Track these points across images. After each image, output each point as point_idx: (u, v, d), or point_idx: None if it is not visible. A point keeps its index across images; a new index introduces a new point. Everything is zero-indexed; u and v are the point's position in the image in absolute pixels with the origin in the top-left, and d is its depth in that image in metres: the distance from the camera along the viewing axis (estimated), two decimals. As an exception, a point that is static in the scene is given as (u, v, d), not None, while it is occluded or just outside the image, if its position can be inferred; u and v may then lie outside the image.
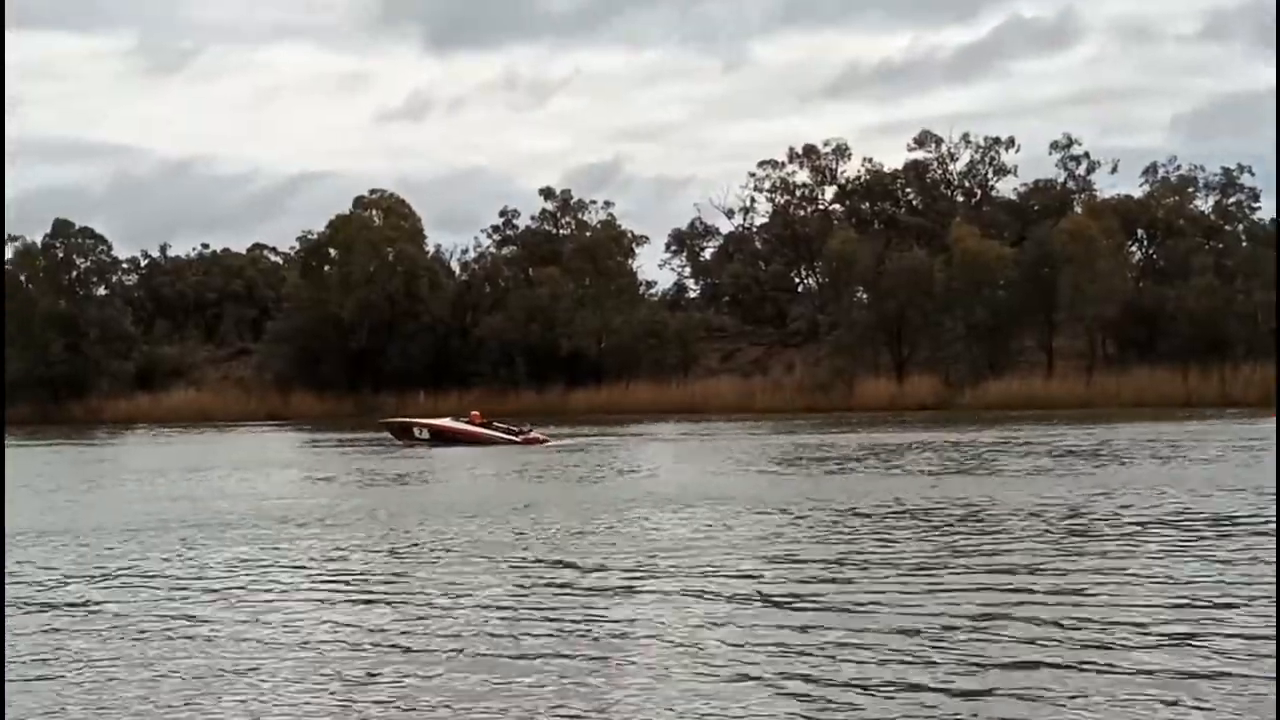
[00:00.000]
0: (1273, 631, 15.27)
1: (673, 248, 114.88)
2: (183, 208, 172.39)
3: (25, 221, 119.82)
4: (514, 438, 59.42)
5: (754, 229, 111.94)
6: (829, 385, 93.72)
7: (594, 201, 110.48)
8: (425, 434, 62.33)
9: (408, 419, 67.58)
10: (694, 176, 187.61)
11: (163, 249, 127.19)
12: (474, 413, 64.37)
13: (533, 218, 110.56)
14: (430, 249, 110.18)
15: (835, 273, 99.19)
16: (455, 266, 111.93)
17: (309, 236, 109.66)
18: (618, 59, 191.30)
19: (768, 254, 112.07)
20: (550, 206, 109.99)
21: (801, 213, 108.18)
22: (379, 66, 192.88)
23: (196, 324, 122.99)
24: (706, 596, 19.06)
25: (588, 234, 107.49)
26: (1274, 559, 20.40)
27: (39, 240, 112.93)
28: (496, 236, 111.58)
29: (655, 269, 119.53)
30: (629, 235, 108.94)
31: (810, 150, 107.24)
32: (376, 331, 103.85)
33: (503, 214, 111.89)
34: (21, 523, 29.97)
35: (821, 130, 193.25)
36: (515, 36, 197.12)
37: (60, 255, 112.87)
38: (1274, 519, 25.46)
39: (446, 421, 64.12)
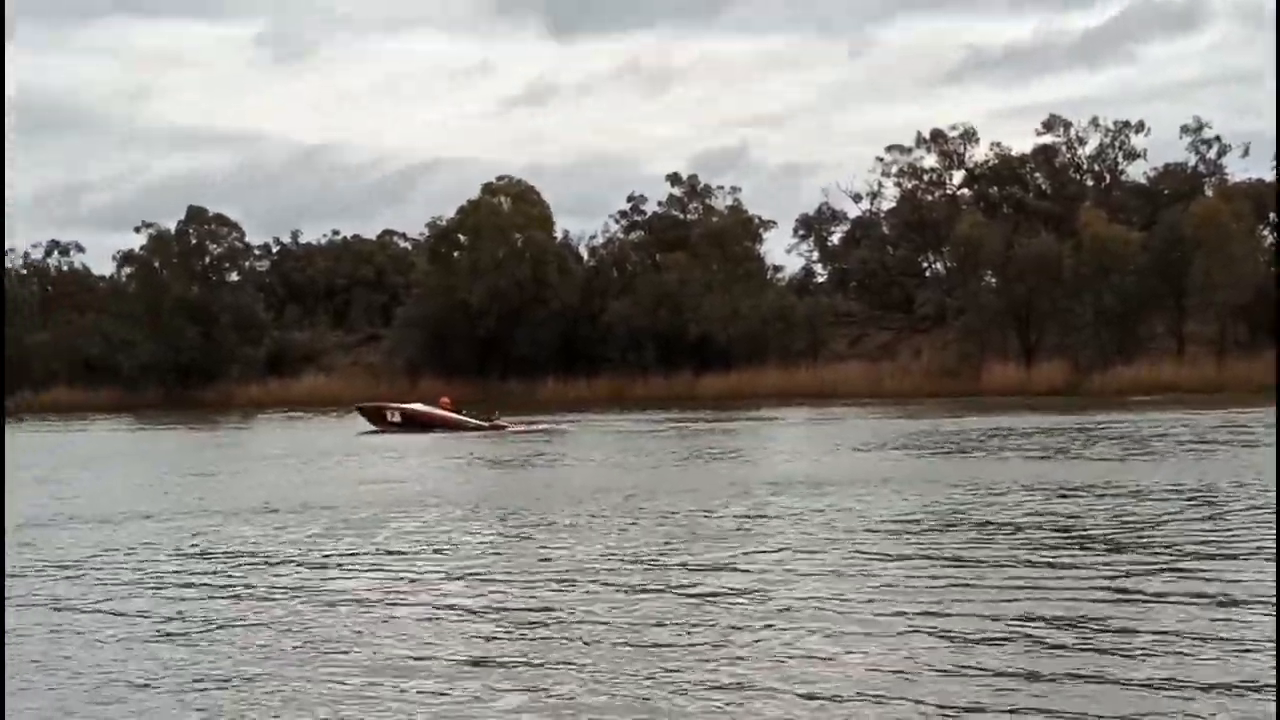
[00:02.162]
0: None
1: (800, 233, 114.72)
2: (313, 194, 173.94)
3: (159, 208, 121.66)
4: (483, 423, 60.69)
5: (881, 214, 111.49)
6: (957, 370, 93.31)
7: (721, 187, 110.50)
8: (397, 417, 63.44)
9: (380, 403, 68.59)
10: (820, 162, 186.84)
11: (293, 235, 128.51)
12: (443, 399, 65.49)
13: (660, 203, 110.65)
14: (558, 235, 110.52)
15: (963, 257, 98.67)
16: (583, 252, 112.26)
17: (438, 223, 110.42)
18: (738, 45, 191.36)
19: (895, 239, 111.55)
20: (677, 192, 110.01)
21: (929, 198, 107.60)
22: (502, 53, 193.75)
23: (326, 310, 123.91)
24: (847, 576, 19.17)
25: (715, 219, 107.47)
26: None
27: (172, 227, 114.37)
28: (624, 222, 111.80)
29: (782, 254, 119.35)
30: (756, 220, 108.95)
31: (938, 135, 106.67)
32: (505, 317, 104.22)
33: (630, 199, 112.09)
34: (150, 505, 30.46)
35: (946, 115, 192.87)
36: (635, 23, 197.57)
37: (193, 242, 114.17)
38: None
39: (418, 406, 65.26)
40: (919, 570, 19.58)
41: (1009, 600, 16.96)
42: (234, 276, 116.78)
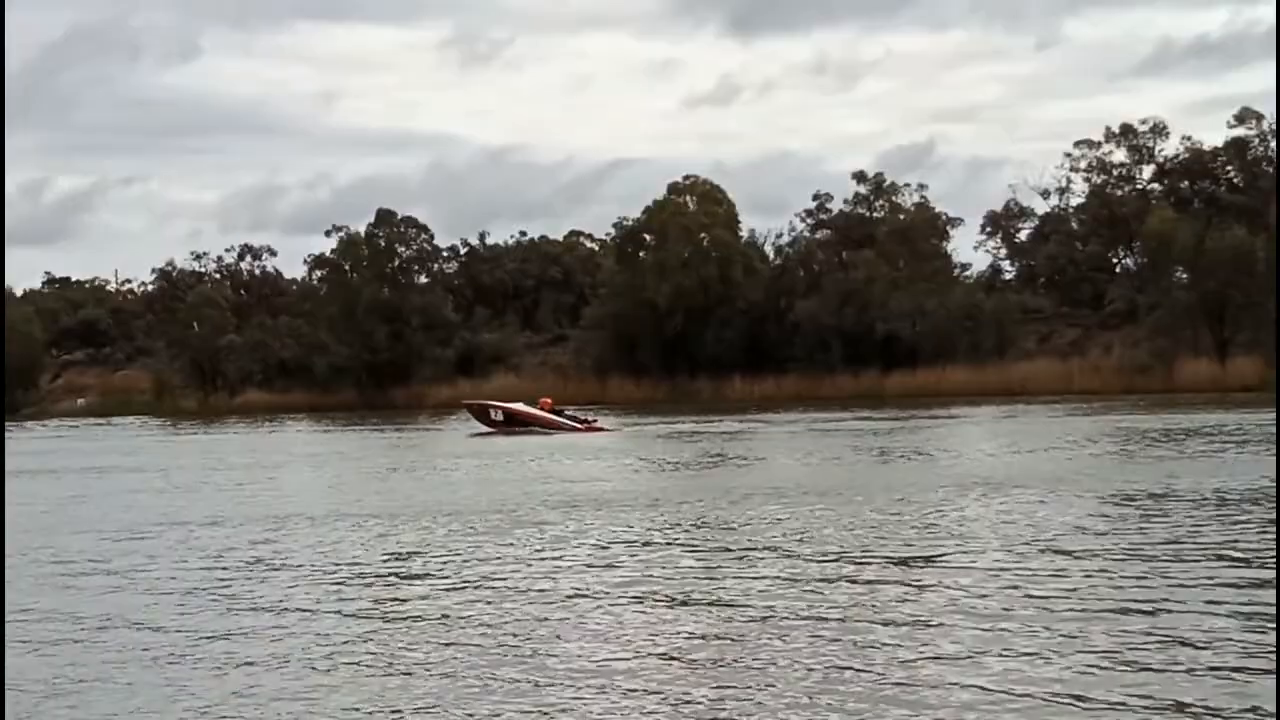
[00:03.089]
0: None
1: (987, 229, 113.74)
2: (500, 195, 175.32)
3: (348, 212, 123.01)
4: (579, 426, 62.62)
5: (1070, 209, 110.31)
6: (1148, 367, 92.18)
7: (907, 184, 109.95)
8: (500, 416, 66.04)
9: (485, 402, 71.34)
10: (1007, 157, 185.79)
11: (481, 237, 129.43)
12: (544, 399, 67.71)
13: (846, 201, 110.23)
14: (744, 234, 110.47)
15: (1154, 253, 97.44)
16: (769, 251, 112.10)
17: (624, 223, 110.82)
18: (924, 41, 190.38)
19: (1084, 234, 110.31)
20: (863, 189, 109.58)
21: (1119, 192, 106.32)
22: (684, 53, 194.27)
23: (515, 310, 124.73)
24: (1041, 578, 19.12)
25: (901, 216, 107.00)
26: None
27: (362, 230, 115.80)
28: (810, 220, 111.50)
29: (970, 251, 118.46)
30: (943, 217, 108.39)
31: (1127, 129, 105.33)
32: (692, 317, 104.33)
33: (815, 197, 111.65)
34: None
35: (1135, 108, 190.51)
36: (816, 20, 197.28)
37: (383, 245, 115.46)
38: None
39: (520, 406, 67.21)
40: (1112, 577, 19.47)
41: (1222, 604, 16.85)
42: (423, 278, 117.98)
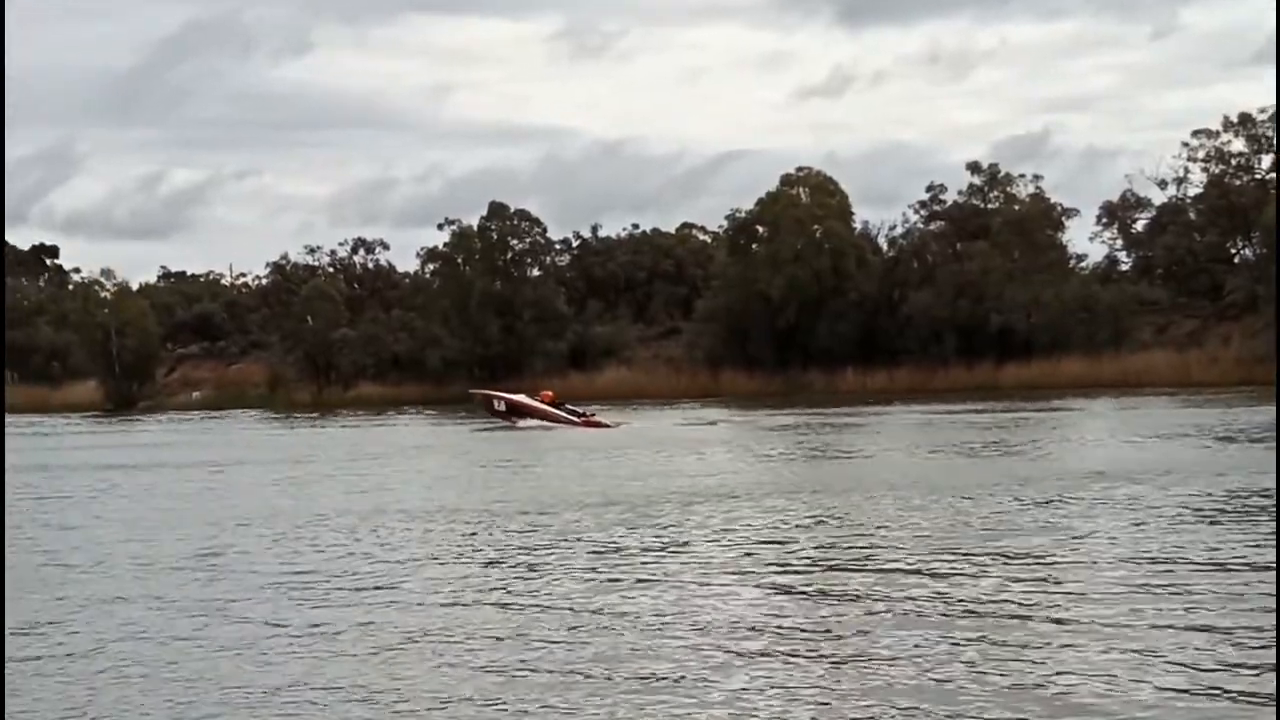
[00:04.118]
0: None
1: (1103, 220, 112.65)
2: (612, 188, 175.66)
3: (461, 205, 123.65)
4: (576, 420, 63.92)
5: (1188, 199, 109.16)
6: (1268, 358, 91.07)
7: (1022, 175, 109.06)
8: (502, 406, 68.57)
9: (489, 392, 73.69)
10: (1123, 147, 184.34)
11: (593, 229, 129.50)
12: (545, 393, 69.08)
13: (960, 192, 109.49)
14: (856, 225, 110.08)
15: (1273, 243, 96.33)
16: (882, 243, 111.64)
17: (736, 215, 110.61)
18: (1036, 30, 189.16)
19: (1202, 225, 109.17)
20: (977, 180, 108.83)
21: (1237, 182, 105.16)
22: (796, 43, 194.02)
23: (627, 303, 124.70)
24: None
25: (1016, 207, 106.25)
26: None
27: (474, 223, 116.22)
28: (923, 211, 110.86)
29: (1085, 242, 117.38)
30: (1059, 208, 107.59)
31: (1246, 119, 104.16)
32: (804, 309, 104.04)
33: (929, 188, 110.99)
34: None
35: (1253, 97, 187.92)
36: (926, 9, 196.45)
37: (495, 237, 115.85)
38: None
39: (521, 397, 69.00)
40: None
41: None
42: (535, 271, 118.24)
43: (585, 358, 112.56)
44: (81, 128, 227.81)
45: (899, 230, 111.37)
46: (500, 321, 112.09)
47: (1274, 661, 13.42)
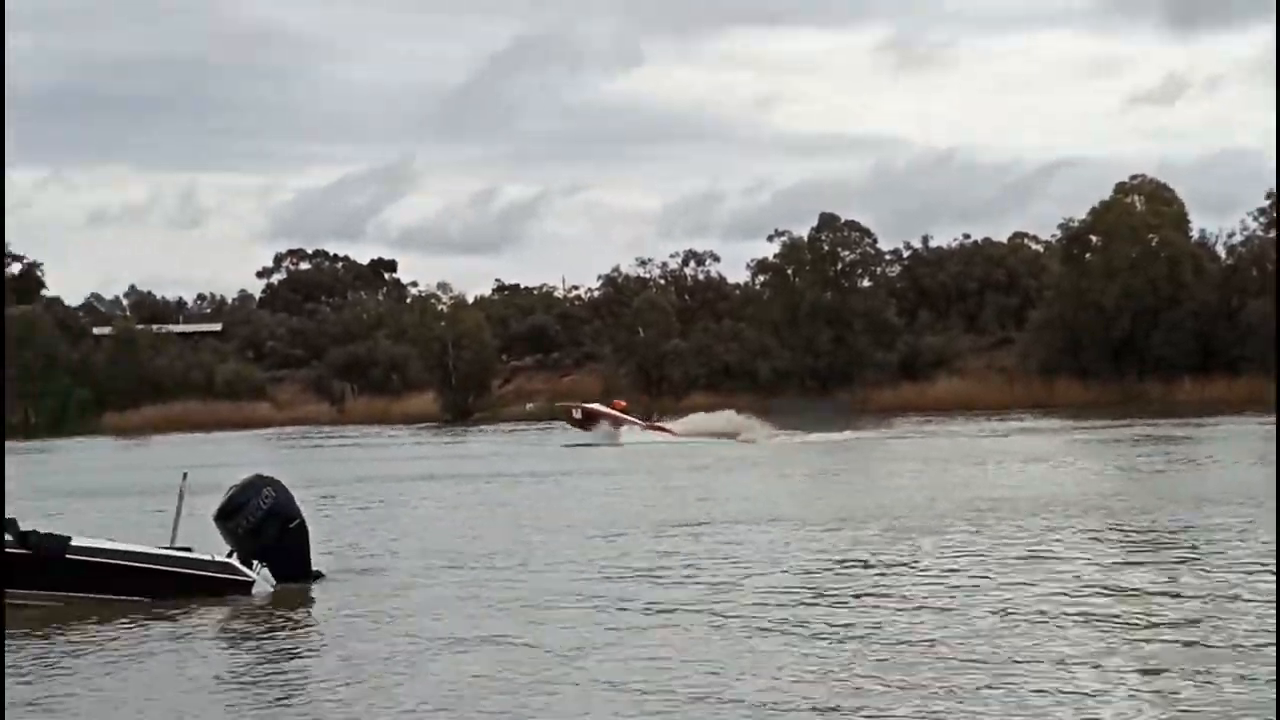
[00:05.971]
0: None
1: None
2: (943, 197, 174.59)
3: (790, 216, 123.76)
4: (639, 423, 74.06)
5: None
6: None
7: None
8: (579, 414, 76.12)
9: (569, 404, 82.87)
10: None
11: (924, 239, 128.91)
12: (617, 402, 79.08)
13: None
14: (1193, 234, 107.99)
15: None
16: (1220, 250, 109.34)
17: (1070, 224, 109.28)
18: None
19: None
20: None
21: None
22: (1126, 50, 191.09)
23: (959, 313, 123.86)
24: None
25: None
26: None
27: (804, 234, 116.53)
28: (1263, 219, 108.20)
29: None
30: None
31: None
32: (1139, 318, 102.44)
33: (1268, 195, 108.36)
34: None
35: None
36: (1258, 12, 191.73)
37: (826, 248, 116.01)
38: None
39: (596, 406, 77.96)
40: None
41: None
42: (866, 282, 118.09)
43: (916, 368, 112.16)
44: (416, 144, 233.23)
45: (1237, 238, 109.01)
46: (830, 332, 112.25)
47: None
